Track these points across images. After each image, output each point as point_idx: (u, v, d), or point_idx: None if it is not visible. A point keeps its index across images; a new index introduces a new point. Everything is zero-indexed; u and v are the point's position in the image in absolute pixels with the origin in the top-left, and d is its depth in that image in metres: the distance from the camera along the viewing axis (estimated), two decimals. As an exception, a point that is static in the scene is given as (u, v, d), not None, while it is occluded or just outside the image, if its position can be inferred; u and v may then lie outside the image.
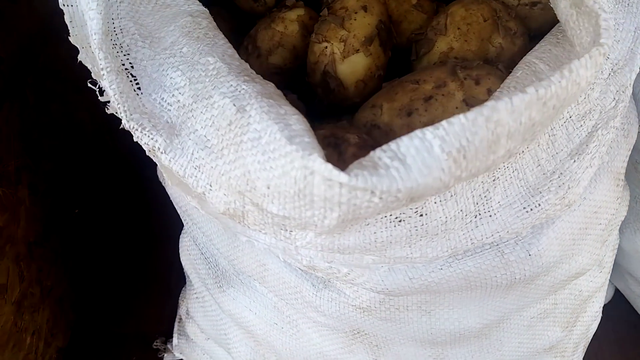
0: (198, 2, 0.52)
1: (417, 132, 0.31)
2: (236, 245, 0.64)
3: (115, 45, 0.45)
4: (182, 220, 0.77)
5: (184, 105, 0.43)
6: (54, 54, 1.10)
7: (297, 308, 0.63)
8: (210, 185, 0.42)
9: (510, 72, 0.45)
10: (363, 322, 0.59)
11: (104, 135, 1.32)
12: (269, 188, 0.36)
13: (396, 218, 0.42)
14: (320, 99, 0.54)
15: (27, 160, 0.97)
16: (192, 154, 0.42)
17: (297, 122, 0.36)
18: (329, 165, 0.31)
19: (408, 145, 0.31)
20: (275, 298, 0.67)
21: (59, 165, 1.09)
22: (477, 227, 0.45)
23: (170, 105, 0.44)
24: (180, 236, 0.80)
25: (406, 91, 0.47)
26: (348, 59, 0.50)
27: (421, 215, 0.43)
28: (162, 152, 0.43)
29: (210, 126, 0.41)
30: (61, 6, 0.46)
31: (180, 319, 1.00)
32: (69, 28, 0.46)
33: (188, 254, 0.76)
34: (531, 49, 0.47)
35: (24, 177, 0.96)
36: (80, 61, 0.47)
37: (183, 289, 1.02)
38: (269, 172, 0.36)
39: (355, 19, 0.49)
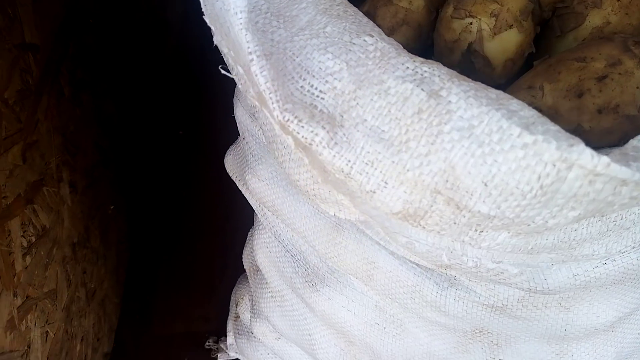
0: (319, -25, 0.47)
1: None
2: (338, 242, 0.60)
3: (254, 25, 0.40)
4: (260, 216, 0.72)
5: (342, 92, 0.38)
6: (81, 41, 1.03)
7: (410, 307, 0.59)
8: (386, 183, 0.37)
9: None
10: (491, 320, 0.55)
11: (129, 127, 1.25)
12: (486, 185, 0.32)
13: (601, 213, 0.38)
14: (455, 82, 0.49)
15: (66, 156, 0.91)
16: (363, 147, 0.37)
17: (521, 106, 0.31)
18: (605, 158, 0.26)
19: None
20: (377, 297, 0.63)
21: (93, 161, 1.03)
22: (661, 218, 0.41)
23: (324, 93, 0.39)
24: (255, 232, 0.75)
25: (572, 70, 0.43)
26: (499, 35, 0.45)
27: (624, 208, 0.39)
28: (324, 147, 0.37)
29: (386, 115, 0.36)
30: (192, -19, 0.40)
31: (238, 317, 0.95)
32: (201, 5, 0.40)
33: (268, 252, 0.71)
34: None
35: (65, 175, 0.90)
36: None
37: (237, 285, 0.97)
38: (490, 167, 0.31)
39: (508, -9, 0.45)
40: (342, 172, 0.38)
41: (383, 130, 0.36)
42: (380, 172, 0.37)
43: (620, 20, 0.45)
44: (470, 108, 0.32)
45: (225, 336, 0.99)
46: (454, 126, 0.33)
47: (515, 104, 0.31)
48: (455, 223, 0.36)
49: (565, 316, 0.53)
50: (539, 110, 0.43)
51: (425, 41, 0.52)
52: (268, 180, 0.64)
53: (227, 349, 0.98)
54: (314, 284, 0.66)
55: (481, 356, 0.60)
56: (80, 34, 1.03)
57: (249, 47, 0.38)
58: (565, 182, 0.28)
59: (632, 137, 0.42)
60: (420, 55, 0.53)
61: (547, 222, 0.31)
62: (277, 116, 0.38)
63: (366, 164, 0.37)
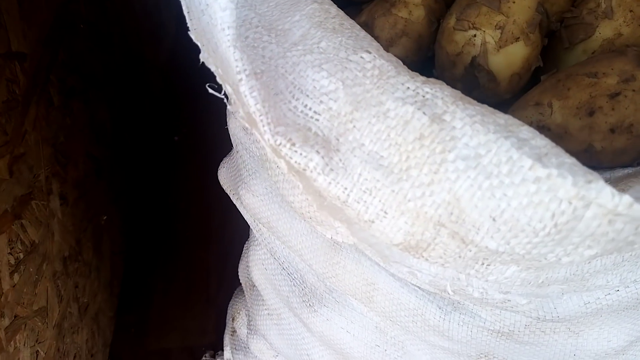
0: (313, -15, 0.44)
1: None
2: (336, 262, 0.57)
3: (244, 41, 0.37)
4: (255, 232, 0.69)
5: (338, 113, 0.36)
6: (72, 48, 1.00)
7: (412, 330, 0.56)
8: (385, 212, 0.34)
9: None
10: (496, 346, 0.52)
11: (123, 134, 1.22)
12: (494, 220, 0.29)
13: (617, 244, 0.36)
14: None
15: (57, 167, 0.88)
16: (360, 174, 0.34)
17: (532, 134, 0.29)
18: (627, 198, 0.24)
19: None
20: (377, 318, 0.60)
21: (85, 171, 1.00)
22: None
23: (319, 114, 0.36)
24: (251, 248, 0.72)
25: (582, 86, 0.40)
26: (505, 49, 0.42)
27: None
28: (319, 173, 0.35)
29: (385, 140, 0.34)
30: (176, -5, 0.37)
31: (234, 331, 0.92)
32: (187, 21, 0.37)
33: (264, 269, 0.69)
34: None
35: (55, 187, 0.87)
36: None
37: (234, 299, 0.95)
38: (499, 201, 0.28)
39: (514, 2, 0.42)
40: (339, 199, 0.35)
41: (382, 156, 0.34)
42: (380, 201, 0.34)
43: (632, 32, 0.43)
44: (477, 135, 0.29)
45: (222, 350, 0.96)
46: (458, 154, 0.30)
47: (525, 131, 0.29)
48: (460, 257, 0.33)
49: (574, 341, 0.50)
50: (548, 128, 0.40)
51: (426, 53, 0.50)
52: (263, 196, 0.62)
53: (223, 363, 0.96)
54: (311, 304, 0.63)
55: (486, 380, 0.57)
56: (71, 39, 1.00)
57: (237, 66, 0.35)
58: (582, 221, 0.26)
59: (647, 157, 0.39)
60: (421, 69, 0.50)
61: (560, 259, 0.29)
62: (269, 139, 0.36)
63: (364, 192, 0.34)
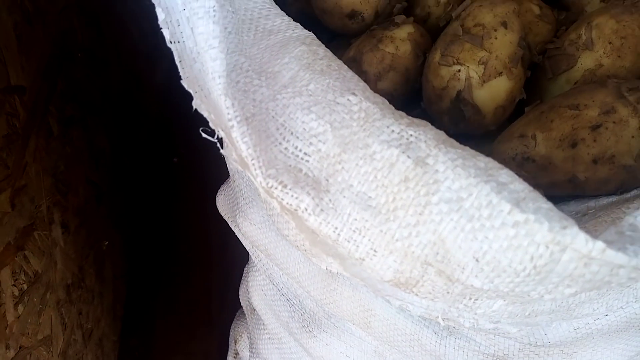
0: (301, 26, 0.46)
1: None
2: (333, 289, 0.58)
3: (235, 86, 0.38)
4: (254, 258, 0.70)
5: (327, 155, 0.37)
6: (70, 76, 1.02)
7: (409, 354, 0.57)
8: (375, 251, 0.35)
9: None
10: (492, 368, 0.53)
11: (122, 158, 1.24)
12: (477, 261, 0.30)
13: (600, 276, 0.37)
14: (445, 128, 0.47)
15: (57, 197, 0.89)
16: (349, 214, 0.36)
17: (511, 178, 0.30)
18: (600, 244, 0.25)
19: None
20: (376, 342, 0.61)
21: (85, 197, 1.01)
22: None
23: (309, 156, 0.38)
24: (250, 273, 0.73)
25: (565, 118, 0.41)
26: (488, 83, 0.44)
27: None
28: (310, 214, 0.36)
29: (372, 181, 0.35)
30: (168, 44, 0.39)
31: (237, 354, 0.93)
32: (179, 69, 0.39)
33: (263, 295, 0.70)
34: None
35: (56, 216, 0.88)
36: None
37: (235, 321, 0.96)
38: (481, 243, 0.30)
39: (496, 38, 0.43)
40: (330, 238, 0.37)
41: (370, 197, 0.35)
42: (369, 240, 0.35)
43: (612, 62, 0.44)
44: (459, 179, 0.31)
45: (225, 372, 0.97)
46: (442, 197, 0.31)
47: (505, 175, 0.30)
48: (448, 292, 0.34)
49: (568, 363, 0.51)
50: (532, 160, 0.42)
51: (414, 85, 0.51)
52: (260, 224, 0.63)
53: (227, 385, 0.97)
54: (310, 330, 0.64)
55: (484, 402, 0.58)
56: (69, 69, 1.02)
57: (229, 113, 0.36)
58: (560, 264, 0.27)
59: (630, 185, 0.40)
60: (409, 101, 0.52)
61: (543, 296, 0.30)
62: (261, 182, 0.37)
63: (354, 231, 0.36)
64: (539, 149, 0.42)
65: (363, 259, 0.36)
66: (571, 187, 0.42)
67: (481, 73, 0.44)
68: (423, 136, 0.34)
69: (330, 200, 0.36)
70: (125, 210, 1.21)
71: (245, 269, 0.84)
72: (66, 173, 0.94)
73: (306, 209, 0.36)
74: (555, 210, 0.27)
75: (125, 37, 1.35)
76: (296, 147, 0.38)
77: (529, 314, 0.36)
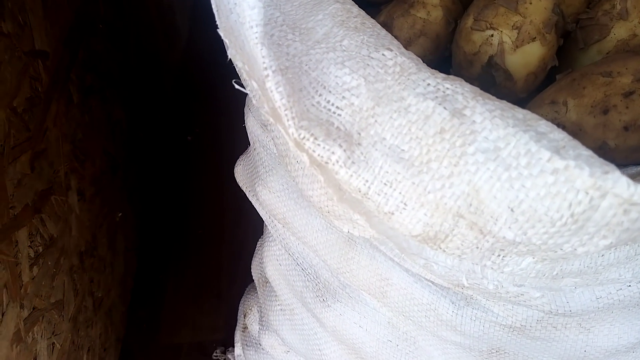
0: (334, -14, 0.45)
1: None
2: (350, 257, 0.58)
3: (269, 38, 0.38)
4: (270, 228, 0.70)
5: (360, 109, 0.37)
6: (91, 47, 1.02)
7: (424, 325, 0.57)
8: (405, 204, 0.35)
9: None
10: (509, 341, 0.53)
11: (138, 133, 1.24)
12: (512, 211, 0.30)
13: (630, 237, 0.37)
14: (474, 95, 0.47)
15: (75, 164, 0.90)
16: (381, 167, 0.35)
17: (551, 128, 0.30)
18: (642, 188, 0.25)
19: None
20: (389, 313, 0.61)
21: (102, 168, 1.02)
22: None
23: (341, 110, 0.38)
24: (265, 244, 0.73)
25: (597, 85, 0.41)
26: (521, 48, 0.44)
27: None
28: (341, 166, 0.36)
29: (406, 134, 0.35)
30: (206, -7, 0.39)
31: (246, 328, 0.94)
32: (215, 18, 0.39)
33: (278, 265, 0.70)
34: None
35: (73, 183, 0.89)
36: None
37: (245, 295, 0.96)
38: (517, 192, 0.29)
39: (531, 3, 0.43)
40: (360, 192, 0.37)
41: (403, 150, 0.35)
42: (400, 193, 0.35)
43: (647, 33, 0.44)
44: (496, 129, 0.31)
45: (233, 346, 0.97)
46: (478, 147, 0.31)
47: (544, 125, 0.30)
48: (477, 247, 0.34)
49: (585, 337, 0.51)
50: (563, 126, 0.41)
51: (443, 53, 0.51)
52: (279, 192, 0.63)
53: (234, 359, 0.97)
54: (325, 299, 0.64)
55: (497, 376, 0.58)
56: (90, 39, 1.02)
57: (264, 62, 0.36)
58: (598, 211, 0.27)
59: (660, 155, 0.40)
60: (438, 68, 0.52)
61: (576, 249, 0.30)
62: (293, 133, 0.37)
63: (385, 184, 0.36)
64: (570, 115, 0.42)
65: (392, 213, 0.36)
66: (600, 154, 0.41)
67: (514, 38, 0.43)
68: (460, 89, 0.34)
69: (362, 152, 0.36)
70: (139, 184, 1.21)
71: (258, 242, 0.84)
72: (84, 141, 0.94)
73: (337, 161, 0.36)
74: (596, 157, 0.27)
75: (143, 14, 1.36)
76: (328, 101, 0.38)
77: (557, 273, 0.36)
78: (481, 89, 0.46)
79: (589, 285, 0.41)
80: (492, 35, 0.44)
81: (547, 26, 0.43)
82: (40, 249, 0.76)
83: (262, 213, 0.70)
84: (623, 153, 0.41)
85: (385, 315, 0.62)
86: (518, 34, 0.43)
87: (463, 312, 0.52)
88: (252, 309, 0.90)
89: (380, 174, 0.36)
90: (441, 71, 0.50)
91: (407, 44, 0.49)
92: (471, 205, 0.32)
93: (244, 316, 0.93)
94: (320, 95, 0.38)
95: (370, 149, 0.36)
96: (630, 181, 0.25)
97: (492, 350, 0.56)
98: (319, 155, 0.37)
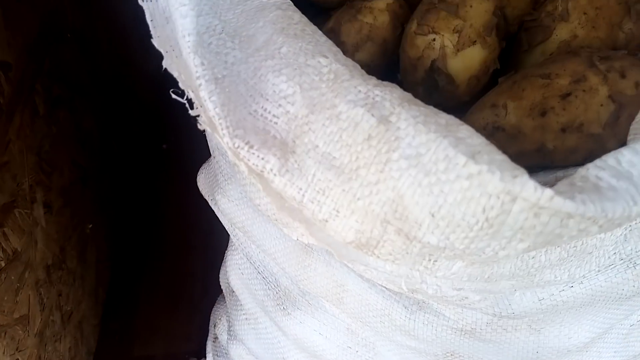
0: (279, -6, 0.46)
1: (646, 144, 0.25)
2: (307, 265, 0.58)
3: (206, 47, 0.39)
4: (232, 236, 0.70)
5: (295, 117, 0.37)
6: (58, 57, 1.02)
7: (380, 331, 0.57)
8: (338, 211, 0.35)
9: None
10: (461, 344, 0.53)
11: (110, 142, 1.23)
12: (433, 216, 0.30)
13: (560, 239, 0.37)
14: (419, 99, 0.47)
15: (41, 176, 0.89)
16: (314, 175, 0.36)
17: (470, 134, 0.30)
18: (548, 191, 0.25)
19: (633, 160, 0.26)
20: (349, 320, 0.61)
21: (70, 179, 1.01)
22: (626, 240, 0.40)
23: (277, 118, 0.38)
24: (228, 253, 0.73)
25: (536, 87, 0.42)
26: (462, 52, 0.44)
27: (584, 233, 0.37)
28: (275, 175, 0.36)
29: (337, 142, 0.35)
30: (140, 2, 0.39)
31: (216, 338, 0.93)
32: (150, 28, 0.39)
33: (240, 273, 0.70)
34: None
35: (39, 195, 0.88)
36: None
37: (216, 305, 0.96)
38: (436, 198, 0.30)
39: (471, 6, 0.44)
40: (295, 200, 0.37)
41: (334, 157, 0.35)
42: (332, 200, 0.35)
43: (587, 33, 0.44)
44: (419, 135, 0.31)
45: (205, 357, 0.97)
46: (402, 154, 0.31)
47: (464, 130, 0.30)
48: (407, 253, 0.35)
49: (536, 339, 0.51)
50: (502, 129, 0.42)
51: (391, 57, 0.51)
52: (237, 200, 0.63)
53: (206, 369, 0.97)
54: (285, 307, 0.64)
55: (455, 380, 0.58)
56: (57, 48, 1.01)
57: (197, 72, 0.37)
58: (511, 215, 0.27)
59: (598, 156, 0.40)
60: (386, 73, 0.52)
61: (497, 253, 0.30)
62: (227, 142, 0.37)
63: (317, 192, 0.36)
64: (510, 118, 0.42)
65: (327, 220, 0.36)
66: (540, 156, 0.42)
67: (455, 42, 0.44)
68: (388, 95, 0.34)
69: (295, 161, 0.36)
70: (111, 195, 1.20)
71: (226, 252, 0.84)
72: (51, 153, 0.94)
73: (272, 170, 0.36)
74: (509, 161, 0.27)
75: (117, 21, 1.35)
76: (265, 109, 0.38)
77: (489, 276, 0.36)
78: (426, 93, 0.47)
79: (527, 288, 0.41)
80: (434, 40, 0.45)
81: (488, 29, 0.44)
82: (3, 263, 0.75)
83: (224, 222, 0.70)
84: (562, 154, 0.42)
85: (344, 322, 0.62)
86: (459, 37, 0.44)
87: (416, 316, 0.52)
88: (222, 318, 0.90)
89: (314, 181, 0.36)
90: (389, 76, 0.51)
91: (354, 50, 0.50)
92: (396, 211, 0.32)
93: (214, 326, 0.92)
94: (257, 103, 0.39)
95: (304, 156, 0.36)
96: (538, 185, 0.26)
97: (447, 354, 0.56)
98: (253, 164, 0.37)
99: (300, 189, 0.36)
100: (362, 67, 0.48)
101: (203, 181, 0.72)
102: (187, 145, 1.35)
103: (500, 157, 0.28)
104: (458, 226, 0.29)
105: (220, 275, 0.85)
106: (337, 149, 0.35)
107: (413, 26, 0.47)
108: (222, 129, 0.37)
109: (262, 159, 0.36)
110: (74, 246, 1.00)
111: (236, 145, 0.37)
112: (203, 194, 0.73)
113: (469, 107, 0.47)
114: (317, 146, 0.36)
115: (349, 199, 0.34)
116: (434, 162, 0.30)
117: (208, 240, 1.16)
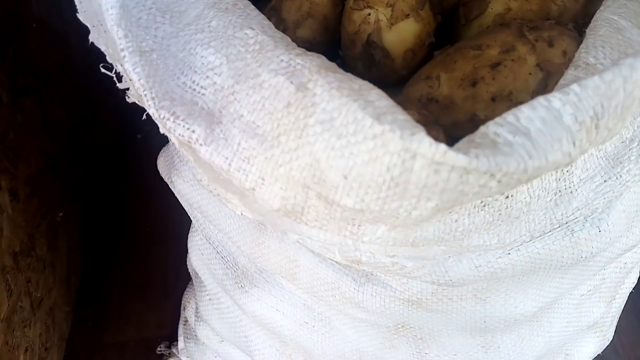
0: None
1: (541, 99, 0.26)
2: (261, 242, 0.59)
3: (135, 22, 0.39)
4: (192, 218, 0.71)
5: (222, 87, 0.37)
6: (22, 46, 1.01)
7: (333, 305, 0.58)
8: (263, 179, 0.36)
9: (581, 32, 0.41)
10: (410, 315, 0.54)
11: (81, 131, 1.23)
12: (346, 178, 0.31)
13: (481, 202, 0.38)
14: (359, 74, 0.48)
15: (6, 164, 0.89)
16: (239, 143, 0.36)
17: (379, 97, 0.30)
18: (442, 146, 0.26)
19: (531, 116, 0.26)
20: (304, 295, 0.62)
21: (38, 168, 1.01)
22: (557, 205, 0.41)
23: (205, 89, 0.38)
24: (189, 234, 0.73)
25: (467, 58, 0.42)
26: (396, 26, 0.45)
27: (507, 197, 0.38)
28: (201, 144, 0.37)
29: (260, 110, 0.35)
30: (66, -22, 0.39)
31: (186, 321, 0.93)
32: (76, 3, 0.39)
33: (200, 254, 0.70)
34: (594, 6, 0.43)
35: (4, 183, 0.88)
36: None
37: (186, 289, 0.96)
38: (347, 160, 0.30)
39: (402, -19, 0.44)
40: (223, 169, 0.37)
41: (258, 126, 0.35)
42: (257, 168, 0.36)
43: (520, 6, 0.45)
44: (332, 100, 0.31)
45: (177, 341, 0.97)
46: (317, 119, 0.32)
47: (374, 94, 0.31)
48: (332, 218, 0.35)
49: (482, 308, 0.52)
50: (436, 100, 0.42)
51: (333, 34, 0.52)
52: (192, 181, 0.63)
53: (178, 353, 0.97)
54: (242, 285, 0.65)
55: (407, 351, 0.59)
56: (21, 38, 1.01)
57: (121, 44, 0.37)
58: (413, 172, 0.27)
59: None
60: (329, 49, 0.53)
61: (410, 213, 0.30)
62: (154, 114, 0.37)
63: (243, 160, 0.36)
64: (442, 89, 0.43)
65: (253, 189, 0.37)
66: (472, 126, 0.42)
67: (389, 15, 0.44)
68: (308, 63, 0.34)
69: (221, 130, 0.37)
70: (83, 184, 1.20)
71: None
72: (16, 141, 0.93)
73: (197, 140, 0.37)
74: (411, 121, 0.28)
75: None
76: (194, 81, 0.39)
77: (413, 240, 0.37)
78: (364, 67, 0.47)
79: (459, 253, 0.42)
80: (369, 14, 0.45)
81: (420, 3, 0.44)
82: (-35, 249, 0.75)
83: (183, 203, 0.70)
84: (492, 124, 0.42)
85: (300, 298, 0.62)
86: (392, 11, 0.44)
87: (364, 288, 0.53)
88: (190, 301, 0.90)
89: (239, 150, 0.36)
90: (332, 53, 0.51)
91: (295, 27, 0.50)
92: (314, 175, 0.33)
93: (184, 309, 0.93)
94: (186, 75, 0.39)
95: (229, 126, 0.36)
96: (432, 141, 0.26)
97: (398, 325, 0.57)
98: (179, 134, 0.37)
99: (227, 158, 0.37)
100: (304, 43, 0.49)
101: (162, 164, 0.72)
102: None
103: (403, 117, 0.28)
104: (369, 187, 0.30)
105: (187, 260, 0.85)
106: (260, 117, 0.35)
107: (350, 2, 0.47)
108: (147, 100, 0.37)
109: (188, 129, 0.37)
110: (43, 234, 0.99)
111: (162, 116, 0.37)
112: (163, 176, 0.73)
113: (407, 80, 0.47)
114: (242, 115, 0.36)
115: (272, 166, 0.35)
116: (345, 125, 0.30)
117: (180, 228, 1.15)
